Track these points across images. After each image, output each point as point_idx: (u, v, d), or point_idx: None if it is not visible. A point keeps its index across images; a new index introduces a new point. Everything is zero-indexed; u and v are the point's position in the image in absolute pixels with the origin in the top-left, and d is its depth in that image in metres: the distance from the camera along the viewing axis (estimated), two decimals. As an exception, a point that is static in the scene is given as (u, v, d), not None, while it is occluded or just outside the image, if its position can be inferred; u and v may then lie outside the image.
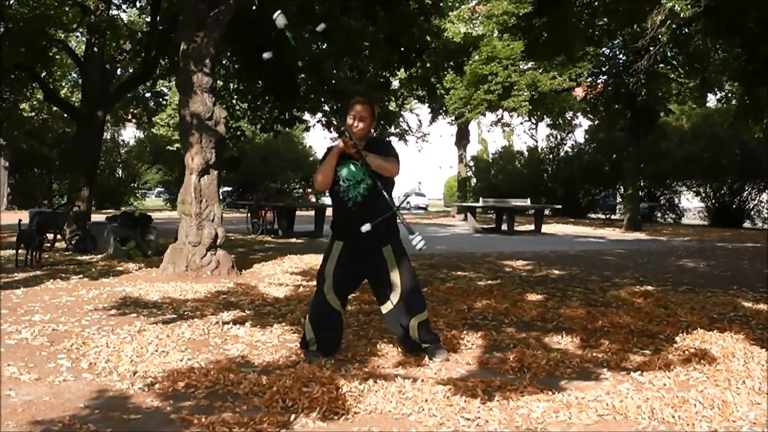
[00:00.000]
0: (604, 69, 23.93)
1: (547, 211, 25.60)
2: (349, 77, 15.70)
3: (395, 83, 18.74)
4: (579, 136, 34.56)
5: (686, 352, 5.13)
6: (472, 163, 35.74)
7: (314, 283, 7.41)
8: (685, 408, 3.81)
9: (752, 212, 28.58)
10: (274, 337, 5.54)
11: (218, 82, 12.67)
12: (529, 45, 12.48)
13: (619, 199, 33.31)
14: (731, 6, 11.20)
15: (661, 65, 22.64)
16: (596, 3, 11.65)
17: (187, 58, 9.42)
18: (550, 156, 34.66)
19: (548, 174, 34.11)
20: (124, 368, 4.50)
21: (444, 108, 28.49)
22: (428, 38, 14.07)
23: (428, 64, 15.80)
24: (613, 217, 30.34)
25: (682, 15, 10.67)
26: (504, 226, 20.07)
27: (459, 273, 9.97)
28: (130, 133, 40.67)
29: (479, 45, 22.67)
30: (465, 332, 5.70)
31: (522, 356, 4.85)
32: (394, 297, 4.83)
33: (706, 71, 21.55)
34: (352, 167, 4.76)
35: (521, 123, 32.68)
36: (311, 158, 40.42)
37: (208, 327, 5.83)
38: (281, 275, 9.44)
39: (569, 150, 34.48)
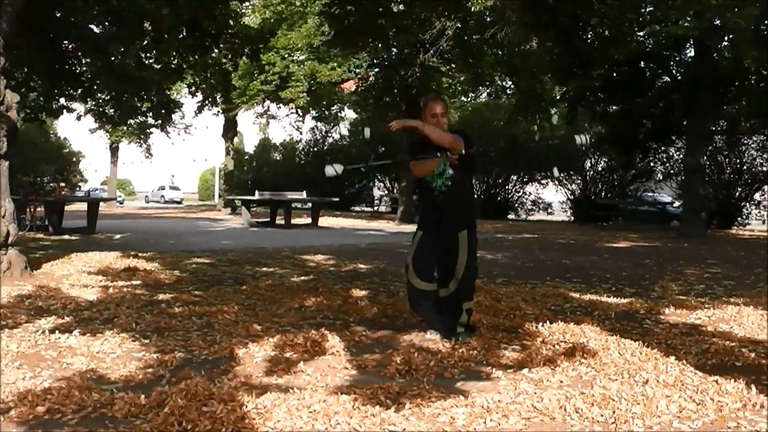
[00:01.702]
0: (377, 62, 24.47)
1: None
2: (140, 62, 14.70)
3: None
4: (344, 129, 35.51)
5: (560, 347, 5.23)
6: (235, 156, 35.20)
7: (121, 283, 8.03)
8: (610, 406, 3.82)
9: (516, 204, 30.84)
10: (116, 347, 4.96)
11: None
12: (336, 33, 12.39)
13: (378, 192, 34.45)
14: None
15: (433, 60, 23.64)
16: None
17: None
18: (315, 149, 35.04)
19: (313, 167, 34.15)
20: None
21: (213, 98, 27.85)
22: (230, 23, 13.45)
23: (225, 51, 15.08)
24: (379, 209, 31.22)
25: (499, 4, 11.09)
26: (279, 220, 19.89)
27: (265, 269, 9.67)
28: None
29: (276, 33, 22.23)
30: (318, 333, 5.38)
31: (409, 357, 4.66)
32: (454, 283, 5.38)
33: (480, 66, 22.86)
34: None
35: (287, 115, 32.74)
36: (65, 150, 38.04)
37: (34, 338, 5.11)
38: (79, 275, 8.64)
39: (335, 142, 35.15)
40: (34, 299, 6.87)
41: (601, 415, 3.69)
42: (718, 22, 15.94)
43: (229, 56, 14.89)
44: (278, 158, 36.64)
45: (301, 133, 33.94)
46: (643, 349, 5.11)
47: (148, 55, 14.59)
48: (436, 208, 5.48)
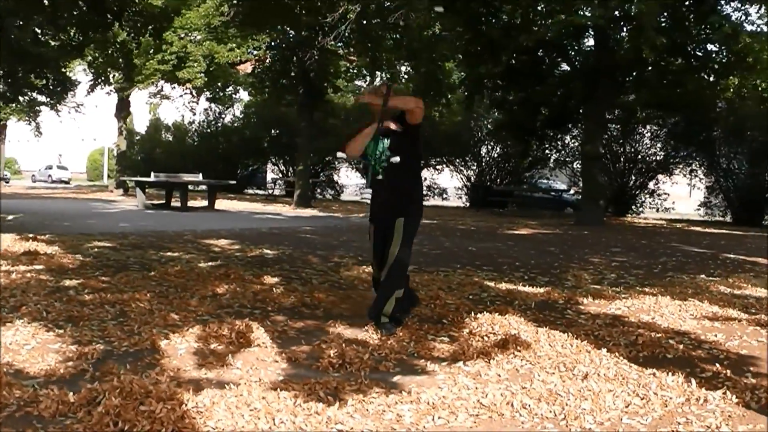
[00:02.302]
0: (274, 44, 24.13)
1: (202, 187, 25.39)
2: (37, 39, 13.88)
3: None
4: (238, 110, 35.19)
5: (489, 338, 5.19)
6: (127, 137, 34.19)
7: (23, 268, 7.66)
8: (558, 402, 3.78)
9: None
10: (29, 338, 4.67)
11: None
12: (245, 13, 12.08)
13: (272, 175, 34.11)
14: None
15: (332, 43, 23.48)
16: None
17: None
18: (208, 130, 34.57)
19: (207, 149, 33.82)
20: None
21: (106, 77, 26.87)
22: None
23: (128, 29, 14.39)
24: (274, 192, 30.89)
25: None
26: (174, 202, 19.50)
27: (170, 254, 9.36)
28: None
29: (182, 11, 21.50)
30: (243, 324, 5.16)
31: (342, 350, 4.52)
32: (386, 269, 5.30)
33: (378, 50, 22.82)
34: (380, 142, 5.35)
35: (181, 95, 32.03)
36: None
37: None
38: None
39: (228, 124, 34.77)
40: None
41: (551, 411, 3.66)
42: (617, 12, 16.36)
43: (132, 34, 14.20)
44: (171, 139, 35.79)
45: (194, 114, 33.42)
46: (573, 341, 5.13)
47: (45, 30, 13.80)
48: (376, 194, 5.46)
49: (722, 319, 6.28)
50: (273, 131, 31.86)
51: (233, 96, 34.28)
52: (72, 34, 14.07)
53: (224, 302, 6.14)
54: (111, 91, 29.90)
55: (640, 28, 15.65)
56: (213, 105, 34.07)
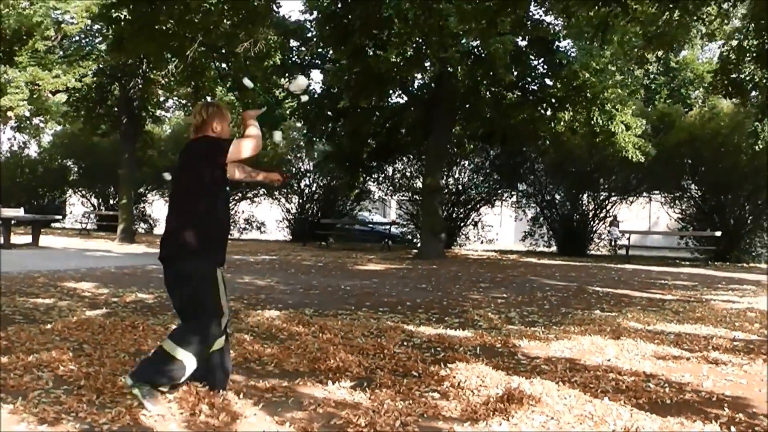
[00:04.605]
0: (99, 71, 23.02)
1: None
2: None
3: None
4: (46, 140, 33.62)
5: (486, 392, 4.98)
6: None
7: None
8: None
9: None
10: None
11: None
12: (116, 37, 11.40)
13: (83, 209, 32.62)
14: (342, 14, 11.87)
15: (154, 71, 22.72)
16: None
17: None
18: (12, 161, 32.96)
19: (12, 180, 31.94)
20: None
21: None
22: None
23: None
24: (87, 227, 29.22)
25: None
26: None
27: (42, 300, 8.69)
28: None
29: (36, 32, 19.62)
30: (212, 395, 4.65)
31: (348, 418, 4.14)
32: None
33: (201, 79, 22.25)
34: None
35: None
36: None
37: None
38: None
39: (36, 155, 33.39)
40: None
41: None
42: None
43: None
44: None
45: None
46: (569, 391, 5.02)
47: None
48: (224, 229, 4.71)
49: (671, 359, 6.40)
50: (82, 163, 30.57)
51: (40, 126, 32.34)
52: None
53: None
54: None
55: (490, 64, 16.18)
56: (17, 134, 32.13)
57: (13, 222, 19.12)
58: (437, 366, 5.67)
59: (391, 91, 21.82)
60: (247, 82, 5.24)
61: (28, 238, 19.95)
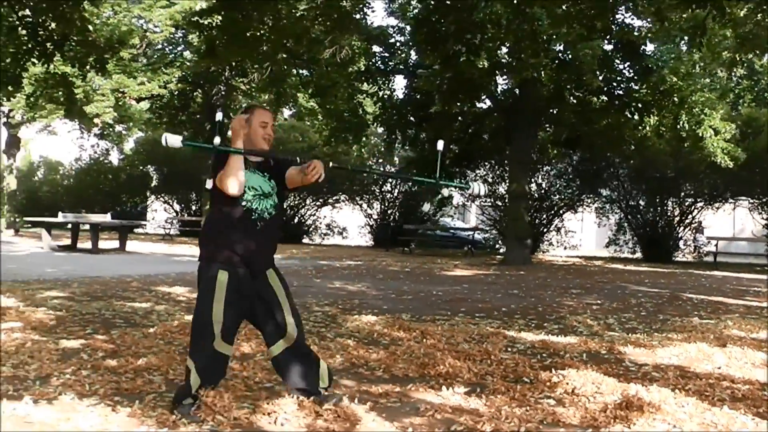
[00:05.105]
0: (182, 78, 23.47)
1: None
2: None
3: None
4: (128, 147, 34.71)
5: (601, 399, 4.94)
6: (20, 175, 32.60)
7: None
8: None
9: (310, 228, 30.76)
10: (107, 421, 4.22)
11: None
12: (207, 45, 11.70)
13: (165, 215, 33.28)
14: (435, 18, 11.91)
15: (236, 78, 23.12)
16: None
17: None
18: (95, 167, 33.81)
19: (90, 186, 33.04)
20: None
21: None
22: (79, 24, 11.78)
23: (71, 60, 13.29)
24: (170, 232, 29.82)
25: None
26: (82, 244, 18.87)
27: (139, 304, 8.86)
28: None
29: (126, 41, 20.29)
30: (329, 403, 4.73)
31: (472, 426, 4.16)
32: (290, 334, 4.43)
33: (282, 86, 22.56)
34: (258, 176, 4.44)
35: (69, 131, 30.87)
36: None
37: None
38: None
39: (118, 162, 34.46)
40: None
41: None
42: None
43: (76, 65, 13.13)
44: (57, 177, 34.72)
45: (83, 150, 32.46)
46: (688, 399, 4.95)
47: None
48: (249, 239, 4.38)
49: (784, 367, 6.25)
50: (164, 168, 31.20)
51: (122, 133, 33.19)
52: (7, 64, 12.88)
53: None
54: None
55: (576, 68, 16.05)
56: (101, 141, 33.02)
57: (99, 227, 19.66)
58: (548, 372, 5.65)
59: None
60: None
61: (115, 243, 20.53)
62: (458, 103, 19.21)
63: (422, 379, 5.46)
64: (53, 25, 11.55)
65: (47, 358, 5.60)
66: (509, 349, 6.74)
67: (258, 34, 13.66)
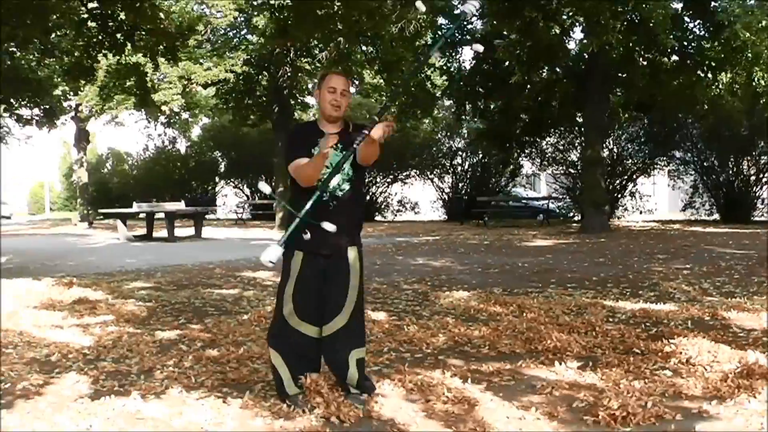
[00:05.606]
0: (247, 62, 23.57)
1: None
2: (39, 62, 13.03)
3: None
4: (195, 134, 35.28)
5: (719, 368, 4.86)
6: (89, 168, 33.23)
7: (93, 320, 7.06)
8: None
9: (382, 205, 30.94)
10: (222, 415, 4.18)
11: None
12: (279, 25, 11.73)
13: (236, 199, 33.63)
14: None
15: (301, 59, 23.15)
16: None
17: None
18: (163, 156, 34.47)
19: (160, 174, 33.64)
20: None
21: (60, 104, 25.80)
22: (149, 13, 11.92)
23: (141, 49, 13.48)
24: (243, 216, 30.13)
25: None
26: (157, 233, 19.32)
27: (226, 291, 8.98)
28: None
29: (196, 28, 20.57)
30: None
31: (625, 401, 4.15)
32: (341, 318, 4.26)
33: (348, 63, 22.51)
34: (334, 155, 4.24)
35: (136, 122, 31.49)
36: None
37: (84, 408, 4.25)
38: (28, 312, 7.55)
39: (185, 149, 35.07)
40: (15, 348, 5.89)
41: None
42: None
43: (148, 55, 13.34)
44: (125, 168, 35.36)
45: (151, 140, 32.94)
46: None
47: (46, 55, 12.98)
48: (320, 218, 4.08)
49: None
50: (233, 153, 31.54)
51: (188, 120, 33.58)
52: (79, 56, 13.13)
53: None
54: (66, 120, 28.68)
55: (646, 30, 15.70)
56: (168, 130, 33.51)
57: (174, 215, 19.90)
58: (658, 342, 5.57)
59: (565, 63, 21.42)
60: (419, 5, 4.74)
61: (189, 231, 20.80)
62: (539, 71, 18.93)
63: (531, 355, 5.42)
64: (123, 15, 11.72)
65: (147, 351, 5.65)
66: (611, 320, 6.68)
67: (330, 12, 13.63)
